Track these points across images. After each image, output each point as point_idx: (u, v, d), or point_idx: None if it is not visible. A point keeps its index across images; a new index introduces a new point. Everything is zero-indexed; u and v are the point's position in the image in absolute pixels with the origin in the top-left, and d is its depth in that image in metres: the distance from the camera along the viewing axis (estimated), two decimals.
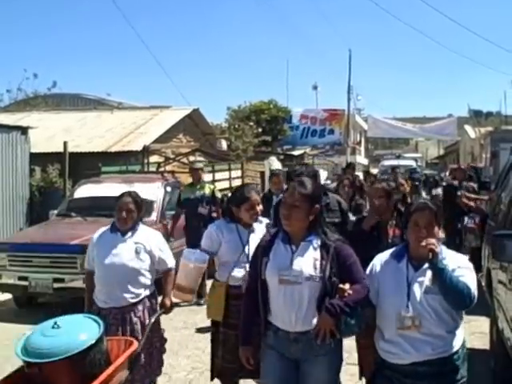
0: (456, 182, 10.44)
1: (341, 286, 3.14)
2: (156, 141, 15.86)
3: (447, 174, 21.85)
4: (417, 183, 17.08)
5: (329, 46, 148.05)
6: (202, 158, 17.18)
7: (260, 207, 4.40)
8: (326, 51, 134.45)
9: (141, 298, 4.43)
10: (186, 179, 12.73)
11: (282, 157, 26.15)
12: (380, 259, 3.34)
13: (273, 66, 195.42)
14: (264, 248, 3.37)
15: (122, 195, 4.58)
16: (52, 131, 16.56)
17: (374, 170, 28.77)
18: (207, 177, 13.98)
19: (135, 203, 4.49)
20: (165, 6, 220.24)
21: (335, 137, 34.09)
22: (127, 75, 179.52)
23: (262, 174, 18.84)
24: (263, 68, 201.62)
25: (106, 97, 27.77)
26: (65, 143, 13.34)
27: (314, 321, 3.19)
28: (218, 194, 9.28)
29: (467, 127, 37.13)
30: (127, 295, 4.37)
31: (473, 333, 6.63)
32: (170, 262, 4.64)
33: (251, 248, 3.99)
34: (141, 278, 4.43)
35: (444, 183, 14.27)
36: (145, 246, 4.45)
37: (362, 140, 44.77)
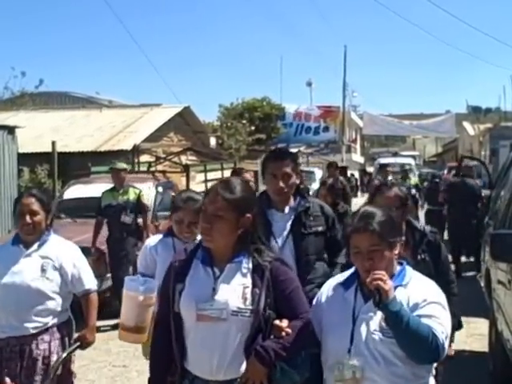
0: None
1: (276, 322, 2.44)
2: (146, 140, 15.70)
3: (445, 172, 21.73)
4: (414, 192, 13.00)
5: (323, 42, 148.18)
6: (193, 157, 16.98)
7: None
8: (321, 47, 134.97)
9: (47, 326, 3.54)
10: (179, 179, 12.56)
11: None
12: (329, 285, 2.63)
13: (266, 63, 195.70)
14: (177, 271, 2.59)
15: (21, 195, 3.70)
16: (40, 131, 16.36)
17: (371, 169, 28.64)
18: (199, 177, 13.78)
19: (41, 204, 3.55)
20: (155, 2, 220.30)
21: (330, 134, 33.99)
22: (117, 73, 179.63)
23: (256, 173, 18.64)
24: (256, 65, 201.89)
25: (95, 95, 27.63)
26: (53, 143, 13.15)
27: (242, 368, 2.47)
28: (146, 200, 8.45)
29: (466, 124, 37.08)
30: (29, 324, 3.48)
31: (471, 335, 6.57)
32: (89, 283, 3.69)
33: None
34: (48, 302, 3.53)
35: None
36: (54, 262, 3.56)
37: (358, 138, 44.71)
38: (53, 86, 31.23)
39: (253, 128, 25.32)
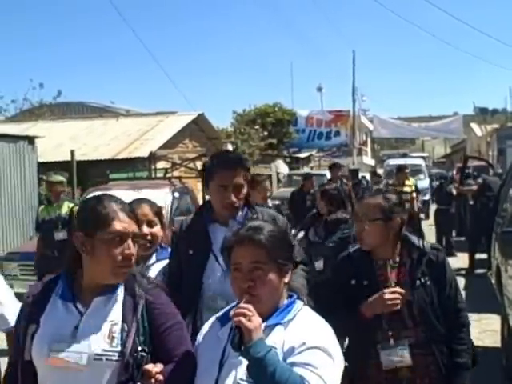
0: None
1: (147, 367, 1.94)
2: (162, 147, 15.93)
3: (454, 172, 21.81)
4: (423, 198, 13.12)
5: (332, 47, 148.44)
6: None
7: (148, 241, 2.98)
8: (330, 53, 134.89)
9: None
10: (195, 184, 12.80)
11: (288, 160, 26.21)
12: (210, 321, 2.13)
13: (277, 69, 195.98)
14: (31, 309, 2.08)
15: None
16: (59, 140, 16.63)
17: (381, 171, 28.69)
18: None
19: None
20: (169, 11, 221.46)
21: (341, 138, 34.10)
22: (132, 82, 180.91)
23: (269, 177, 18.87)
24: (268, 71, 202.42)
25: (111, 104, 27.91)
26: (72, 152, 13.39)
27: None
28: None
29: (473, 125, 37.06)
30: None
31: (484, 331, 6.62)
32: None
33: None
34: None
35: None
36: None
37: (368, 141, 44.73)
38: (70, 96, 31.68)
39: (265, 133, 25.51)
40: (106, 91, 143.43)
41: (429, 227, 12.62)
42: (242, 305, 1.82)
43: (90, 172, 13.78)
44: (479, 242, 9.97)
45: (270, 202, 5.85)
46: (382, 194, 2.79)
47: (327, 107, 36.72)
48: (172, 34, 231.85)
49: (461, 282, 9.32)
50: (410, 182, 10.73)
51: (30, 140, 13.09)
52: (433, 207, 12.55)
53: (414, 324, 2.63)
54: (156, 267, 3.02)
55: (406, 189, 9.97)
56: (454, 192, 12.09)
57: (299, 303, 1.99)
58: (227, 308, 2.05)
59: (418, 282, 2.64)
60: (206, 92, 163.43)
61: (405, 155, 32.90)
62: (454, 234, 12.71)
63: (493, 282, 6.23)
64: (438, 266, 2.71)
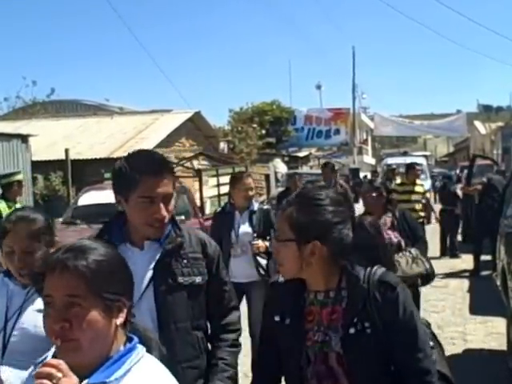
0: None
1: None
2: (158, 145, 15.80)
3: (458, 171, 21.65)
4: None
5: (332, 44, 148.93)
6: (205, 162, 17.04)
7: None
8: (329, 50, 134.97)
9: None
10: (191, 184, 12.62)
11: (286, 159, 26.01)
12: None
13: (275, 67, 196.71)
14: None
15: None
16: (52, 138, 16.54)
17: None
18: (211, 181, 13.82)
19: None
20: (164, 8, 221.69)
21: (341, 137, 33.93)
22: (126, 79, 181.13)
23: (267, 176, 18.68)
24: (265, 68, 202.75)
25: (105, 102, 27.77)
26: (66, 150, 13.27)
27: None
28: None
29: (477, 123, 36.97)
30: None
31: (490, 333, 6.55)
32: None
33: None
34: None
35: None
36: None
37: (369, 139, 44.60)
38: (63, 94, 31.61)
39: (263, 132, 25.33)
40: (100, 89, 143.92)
41: (431, 228, 12.38)
42: (48, 361, 1.37)
43: (85, 171, 13.66)
44: (483, 244, 9.78)
45: (255, 204, 5.35)
46: (295, 204, 1.89)
47: (326, 105, 36.57)
48: (167, 31, 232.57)
49: (465, 284, 9.19)
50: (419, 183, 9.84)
51: (24, 138, 12.96)
52: (435, 209, 12.30)
53: None
54: None
55: (418, 189, 9.18)
56: (460, 193, 11.91)
57: (140, 350, 1.50)
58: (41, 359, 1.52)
59: (352, 328, 1.83)
60: (202, 90, 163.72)
61: (405, 153, 31.64)
62: (459, 237, 12.48)
63: (498, 283, 6.09)
64: (387, 307, 1.84)
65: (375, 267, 1.92)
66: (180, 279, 2.27)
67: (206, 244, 2.38)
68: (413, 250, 4.69)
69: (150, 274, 2.24)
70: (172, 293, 2.25)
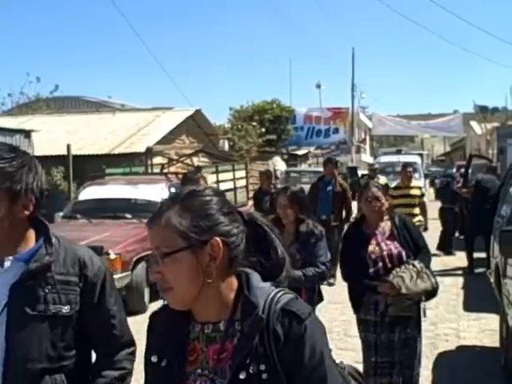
0: None
1: None
2: (159, 142, 15.93)
3: (454, 170, 21.76)
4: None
5: (331, 44, 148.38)
6: (205, 159, 17.17)
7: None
8: (329, 49, 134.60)
9: None
10: None
11: (286, 156, 26.15)
12: None
13: (275, 66, 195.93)
14: None
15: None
16: (55, 134, 16.62)
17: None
18: (211, 178, 13.96)
19: None
20: (166, 6, 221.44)
21: (340, 136, 34.05)
22: (129, 77, 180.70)
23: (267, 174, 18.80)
24: (266, 67, 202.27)
25: (108, 99, 27.88)
26: (68, 146, 13.37)
27: None
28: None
29: (473, 123, 37.00)
30: None
31: (483, 330, 6.60)
32: None
33: None
34: None
35: None
36: None
37: (367, 138, 44.71)
38: (67, 90, 31.72)
39: (263, 130, 25.44)
40: (103, 86, 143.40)
41: (431, 228, 12.49)
42: None
43: (87, 166, 13.75)
44: (475, 242, 9.89)
45: None
46: (181, 202, 1.46)
47: (326, 104, 36.67)
48: (170, 30, 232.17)
49: (459, 281, 9.26)
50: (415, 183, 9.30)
51: (27, 134, 13.07)
52: (433, 210, 12.41)
53: None
54: None
55: (414, 192, 8.64)
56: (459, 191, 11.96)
57: None
58: None
59: (243, 372, 1.40)
60: (203, 88, 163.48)
61: (399, 152, 29.58)
62: (456, 233, 12.62)
63: (492, 281, 6.19)
64: (290, 345, 1.41)
65: (280, 292, 1.47)
66: (40, 307, 1.80)
67: (87, 265, 1.89)
68: (416, 263, 4.05)
69: (4, 299, 1.80)
70: (27, 325, 1.79)
